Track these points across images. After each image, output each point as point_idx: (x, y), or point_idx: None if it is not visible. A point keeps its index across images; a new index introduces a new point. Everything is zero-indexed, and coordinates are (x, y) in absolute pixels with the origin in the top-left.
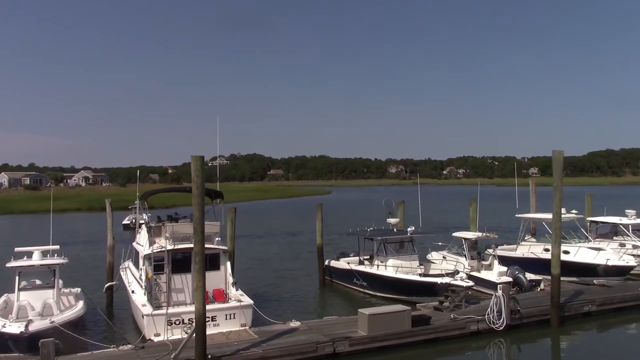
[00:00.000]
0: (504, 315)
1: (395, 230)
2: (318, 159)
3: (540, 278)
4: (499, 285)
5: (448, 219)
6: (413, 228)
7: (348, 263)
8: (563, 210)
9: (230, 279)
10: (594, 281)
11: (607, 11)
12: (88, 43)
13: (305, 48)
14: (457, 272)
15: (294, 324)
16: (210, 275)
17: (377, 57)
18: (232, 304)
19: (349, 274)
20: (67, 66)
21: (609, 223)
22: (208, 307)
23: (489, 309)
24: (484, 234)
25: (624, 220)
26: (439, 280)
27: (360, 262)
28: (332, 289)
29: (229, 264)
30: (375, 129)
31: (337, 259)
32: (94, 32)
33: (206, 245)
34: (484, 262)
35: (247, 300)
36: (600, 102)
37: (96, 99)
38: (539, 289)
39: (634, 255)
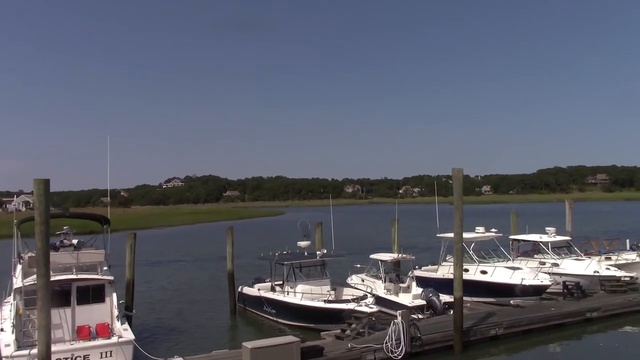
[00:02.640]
0: (402, 342)
1: (306, 254)
2: (274, 180)
3: None
4: (398, 312)
5: (388, 238)
6: (325, 251)
7: (258, 289)
8: (482, 229)
9: (116, 312)
10: (511, 302)
11: (551, 41)
12: (37, 62)
13: (261, 73)
14: (365, 296)
15: None
16: (94, 309)
17: (333, 80)
18: (108, 340)
19: (259, 301)
20: (21, 85)
21: (530, 241)
22: (80, 344)
23: (387, 337)
24: (401, 255)
25: (544, 238)
26: (345, 306)
27: (272, 288)
28: (244, 317)
29: (115, 295)
30: (332, 149)
31: (252, 284)
32: (42, 52)
33: (89, 276)
34: (401, 285)
35: (127, 336)
36: (548, 121)
37: (45, 120)
38: (452, 312)
39: (550, 274)
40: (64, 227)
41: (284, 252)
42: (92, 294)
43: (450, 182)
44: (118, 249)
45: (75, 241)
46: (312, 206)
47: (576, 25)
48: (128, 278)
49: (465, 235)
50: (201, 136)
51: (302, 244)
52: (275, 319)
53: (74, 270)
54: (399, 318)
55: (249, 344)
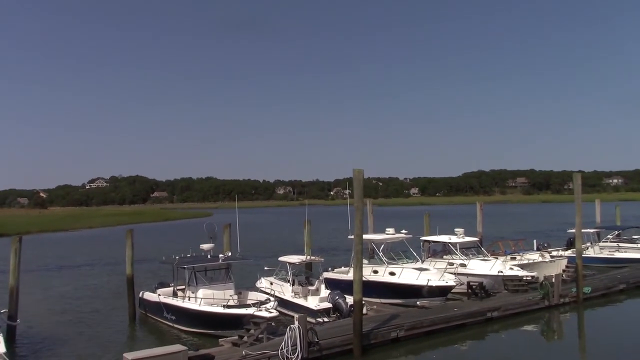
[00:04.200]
0: (299, 348)
1: (209, 257)
2: (204, 181)
3: (363, 303)
4: (295, 316)
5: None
6: (229, 254)
7: (159, 295)
8: (392, 230)
9: None
10: (417, 303)
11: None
12: None
13: (190, 70)
14: (268, 301)
15: None
16: None
17: (261, 81)
18: None
19: (159, 307)
20: None
21: (440, 242)
22: None
23: (283, 343)
24: (310, 257)
25: (453, 239)
26: (244, 311)
27: (174, 293)
28: (144, 324)
29: None
30: (263, 150)
31: (155, 289)
32: None
33: None
34: (310, 287)
35: None
36: (474, 127)
37: None
38: None
39: (456, 274)
40: None
41: (188, 255)
42: None
43: (380, 184)
44: (28, 253)
45: None
46: (242, 207)
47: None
48: (12, 285)
49: (375, 236)
50: (128, 135)
51: (205, 246)
52: (175, 325)
53: None
54: (296, 323)
55: (129, 355)
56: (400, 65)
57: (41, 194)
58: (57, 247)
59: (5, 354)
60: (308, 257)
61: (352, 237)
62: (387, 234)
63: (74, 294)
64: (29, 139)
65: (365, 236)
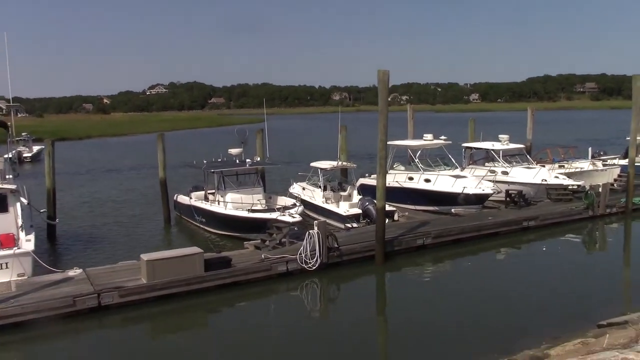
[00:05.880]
0: (317, 253)
1: (237, 161)
2: (260, 87)
3: (394, 209)
4: (315, 221)
5: (351, 147)
6: (258, 159)
7: (190, 198)
8: (430, 136)
9: (20, 222)
10: (452, 210)
11: None
12: None
13: None
14: (293, 206)
15: (73, 272)
16: None
17: None
18: (3, 252)
19: (190, 210)
20: None
21: (482, 149)
22: None
23: (301, 248)
24: (341, 163)
25: (496, 146)
26: (267, 215)
27: (205, 197)
28: (179, 226)
29: (19, 205)
30: (320, 55)
31: (189, 193)
32: None
33: None
34: (342, 193)
35: (26, 247)
36: (539, 27)
37: (27, 21)
38: (391, 221)
39: (495, 182)
40: (22, 133)
41: (218, 160)
42: None
43: (439, 90)
44: (84, 156)
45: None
46: (297, 114)
47: None
48: (49, 186)
49: (412, 142)
50: (186, 41)
51: (233, 151)
52: (204, 227)
53: None
54: (315, 228)
55: (145, 256)
56: None
57: (104, 100)
58: (112, 151)
59: (33, 251)
60: (340, 162)
61: (389, 142)
62: (425, 140)
63: (117, 196)
64: (94, 46)
65: (401, 142)
